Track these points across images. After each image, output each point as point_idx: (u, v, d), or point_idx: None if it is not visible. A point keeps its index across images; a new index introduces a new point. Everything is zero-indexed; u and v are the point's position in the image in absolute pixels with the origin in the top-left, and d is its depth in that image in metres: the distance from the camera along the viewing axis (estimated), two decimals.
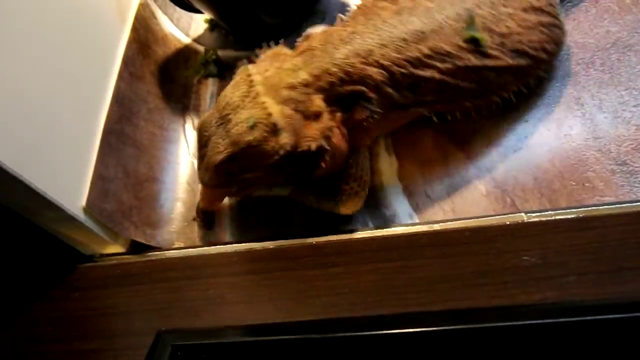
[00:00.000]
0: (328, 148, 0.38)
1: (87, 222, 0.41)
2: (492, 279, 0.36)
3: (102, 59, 0.49)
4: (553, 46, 0.43)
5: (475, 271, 0.37)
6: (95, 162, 0.44)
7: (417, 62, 0.39)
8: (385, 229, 0.42)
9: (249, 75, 0.38)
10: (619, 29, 0.48)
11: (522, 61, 0.41)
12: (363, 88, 0.39)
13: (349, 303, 0.37)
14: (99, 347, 0.40)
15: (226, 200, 0.47)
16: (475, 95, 0.42)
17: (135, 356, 0.38)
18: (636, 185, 0.39)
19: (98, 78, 0.48)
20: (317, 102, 0.38)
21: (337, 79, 0.38)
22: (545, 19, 0.42)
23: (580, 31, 0.49)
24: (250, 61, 0.42)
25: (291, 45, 0.43)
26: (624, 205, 0.38)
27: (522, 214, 0.39)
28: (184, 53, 0.62)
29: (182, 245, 0.46)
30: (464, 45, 0.40)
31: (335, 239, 0.42)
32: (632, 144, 0.41)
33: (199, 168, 0.40)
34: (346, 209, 0.42)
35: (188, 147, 0.54)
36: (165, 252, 0.45)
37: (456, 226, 0.40)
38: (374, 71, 0.39)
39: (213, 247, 0.45)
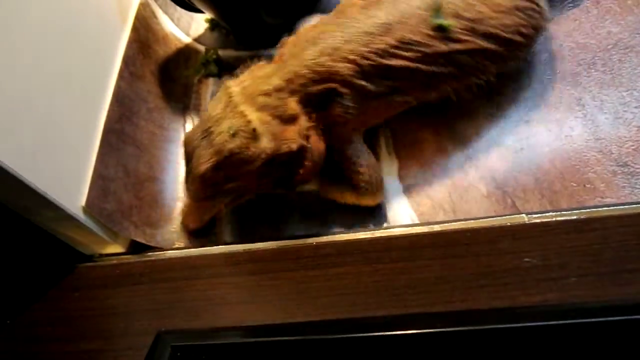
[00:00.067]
0: (309, 146, 0.39)
1: (87, 221, 0.41)
2: (493, 280, 0.36)
3: (102, 58, 0.49)
4: (530, 30, 0.44)
5: (476, 272, 0.37)
6: (95, 161, 0.44)
7: (384, 53, 0.40)
8: (385, 230, 0.42)
9: (228, 87, 0.40)
10: (620, 30, 0.48)
11: (495, 44, 0.42)
12: (333, 85, 0.40)
13: (349, 304, 0.37)
14: (99, 347, 0.40)
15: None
16: (452, 79, 0.43)
17: (135, 356, 0.38)
18: (637, 186, 0.39)
19: (98, 77, 0.48)
20: (292, 105, 0.39)
21: (307, 80, 0.40)
22: (522, 3, 0.43)
23: (581, 32, 0.49)
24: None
25: None
26: (625, 206, 0.38)
27: (523, 215, 0.39)
28: (185, 53, 0.62)
29: (182, 245, 0.46)
30: (431, 33, 0.41)
31: (335, 239, 0.42)
32: (633, 145, 0.41)
33: (186, 182, 0.41)
34: (367, 200, 0.43)
35: None
36: (166, 252, 0.45)
37: (456, 227, 0.40)
38: (342, 67, 0.40)
39: (213, 247, 0.45)
